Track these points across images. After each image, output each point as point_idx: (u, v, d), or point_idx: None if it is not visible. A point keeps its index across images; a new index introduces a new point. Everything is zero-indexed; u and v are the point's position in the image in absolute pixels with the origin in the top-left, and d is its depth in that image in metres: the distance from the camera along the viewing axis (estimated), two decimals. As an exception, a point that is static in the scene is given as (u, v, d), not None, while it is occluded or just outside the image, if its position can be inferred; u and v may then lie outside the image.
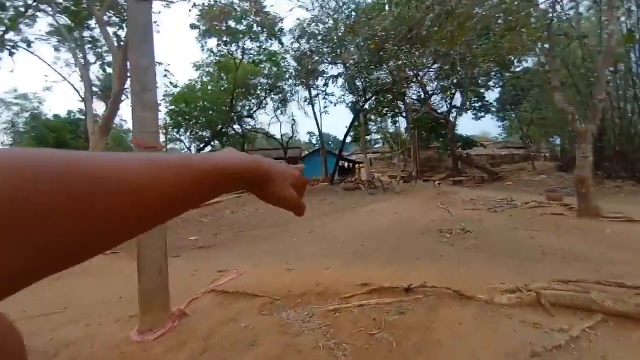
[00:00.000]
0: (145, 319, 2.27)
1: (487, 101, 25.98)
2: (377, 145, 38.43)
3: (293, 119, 24.87)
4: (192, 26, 13.08)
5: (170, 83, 17.33)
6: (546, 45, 7.54)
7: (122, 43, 7.46)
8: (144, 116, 2.53)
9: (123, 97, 6.95)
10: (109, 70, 12.12)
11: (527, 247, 4.16)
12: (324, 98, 21.79)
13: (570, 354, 1.68)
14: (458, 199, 10.06)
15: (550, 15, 6.53)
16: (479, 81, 20.11)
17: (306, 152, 32.60)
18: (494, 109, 27.34)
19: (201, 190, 0.29)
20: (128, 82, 4.10)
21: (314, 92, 21.86)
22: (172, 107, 19.80)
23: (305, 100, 22.67)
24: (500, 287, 2.48)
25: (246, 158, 0.35)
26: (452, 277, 3.01)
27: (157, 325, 2.26)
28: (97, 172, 0.21)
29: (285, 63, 20.55)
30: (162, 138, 22.72)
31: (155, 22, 10.43)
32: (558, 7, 7.27)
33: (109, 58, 10.59)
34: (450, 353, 1.79)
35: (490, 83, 22.66)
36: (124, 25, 8.48)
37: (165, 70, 16.89)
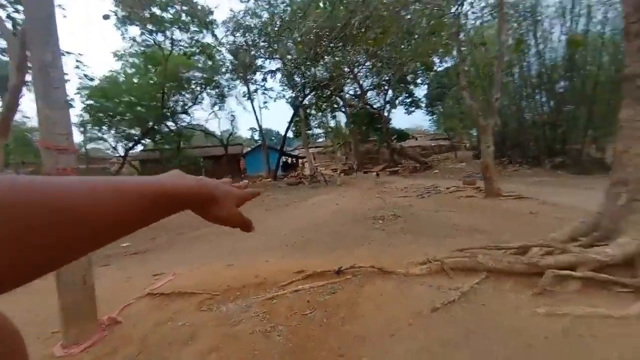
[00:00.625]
0: (69, 334, 2.13)
1: (417, 97, 28.46)
2: (319, 140, 39.25)
3: (232, 115, 24.09)
4: (105, 17, 11.73)
5: (85, 75, 15.33)
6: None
7: (19, 28, 6.42)
8: (53, 116, 2.30)
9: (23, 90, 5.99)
10: (4, 58, 10.30)
11: (445, 226, 4.81)
12: (263, 93, 21.55)
13: (460, 305, 2.10)
14: (393, 188, 10.97)
15: (458, 23, 7.49)
16: (408, 79, 21.88)
17: (248, 149, 31.84)
18: (423, 104, 30.05)
19: (144, 213, 0.30)
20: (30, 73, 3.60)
21: (252, 87, 21.47)
22: (91, 102, 17.55)
23: (244, 96, 22.14)
24: (416, 260, 2.89)
25: (191, 181, 0.36)
26: (380, 257, 3.39)
27: (84, 338, 2.15)
28: (39, 198, 0.22)
29: (221, 56, 19.73)
30: (80, 137, 20.00)
31: (60, 5, 9.19)
32: (465, 17, 8.39)
33: (3, 44, 8.96)
34: (371, 320, 2.08)
35: (418, 81, 24.88)
36: (19, 7, 7.26)
37: (77, 61, 14.93)
